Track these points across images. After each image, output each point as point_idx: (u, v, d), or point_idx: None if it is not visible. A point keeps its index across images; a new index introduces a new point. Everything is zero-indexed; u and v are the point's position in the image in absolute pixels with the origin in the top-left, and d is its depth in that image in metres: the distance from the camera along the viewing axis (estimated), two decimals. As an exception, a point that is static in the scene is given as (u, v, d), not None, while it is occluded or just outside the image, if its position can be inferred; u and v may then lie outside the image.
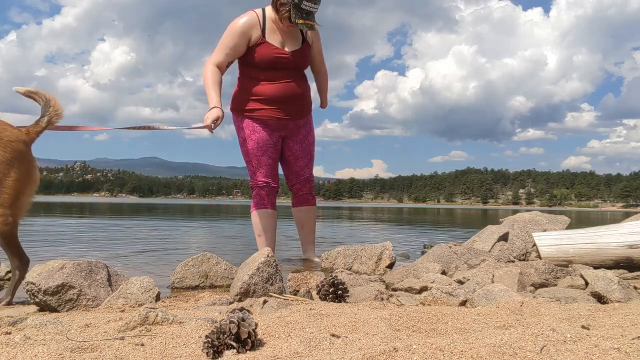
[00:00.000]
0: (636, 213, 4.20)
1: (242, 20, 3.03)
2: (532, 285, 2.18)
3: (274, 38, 3.06)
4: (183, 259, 2.56)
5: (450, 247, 3.07)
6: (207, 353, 1.09)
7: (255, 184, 3.24)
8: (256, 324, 1.17)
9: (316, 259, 3.34)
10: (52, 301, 1.83)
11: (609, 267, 2.79)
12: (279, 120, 3.14)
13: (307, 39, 3.18)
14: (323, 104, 3.57)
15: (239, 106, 3.19)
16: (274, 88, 3.08)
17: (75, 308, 1.85)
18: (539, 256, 3.07)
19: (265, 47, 3.03)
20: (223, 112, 2.96)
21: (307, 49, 3.18)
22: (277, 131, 3.18)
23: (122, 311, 1.71)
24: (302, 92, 3.19)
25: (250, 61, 3.09)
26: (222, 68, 3.06)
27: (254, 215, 3.26)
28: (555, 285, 2.23)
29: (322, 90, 3.49)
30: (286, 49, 3.08)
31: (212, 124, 2.86)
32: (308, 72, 3.37)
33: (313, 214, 3.40)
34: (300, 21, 2.91)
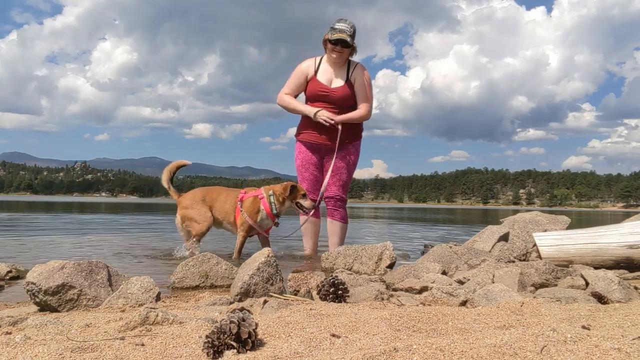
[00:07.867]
0: (637, 213, 4.19)
1: (303, 63, 3.82)
2: (533, 285, 2.18)
3: (323, 76, 3.71)
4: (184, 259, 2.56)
5: (450, 247, 3.07)
6: (207, 353, 1.09)
7: None
8: (256, 324, 1.17)
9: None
10: (53, 301, 1.83)
11: (610, 267, 2.79)
12: (313, 143, 3.81)
13: (350, 78, 3.68)
14: (335, 119, 3.69)
15: (296, 131, 3.93)
16: None
17: (76, 308, 1.85)
18: (539, 256, 3.06)
19: (313, 83, 3.74)
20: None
21: (347, 86, 3.69)
22: (315, 152, 3.84)
23: (123, 311, 1.71)
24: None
25: (305, 94, 3.82)
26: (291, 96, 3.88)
27: None
28: (556, 285, 2.23)
29: (348, 117, 3.69)
30: (333, 85, 3.68)
31: (331, 119, 3.61)
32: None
33: (337, 228, 3.85)
34: (336, 35, 3.52)
